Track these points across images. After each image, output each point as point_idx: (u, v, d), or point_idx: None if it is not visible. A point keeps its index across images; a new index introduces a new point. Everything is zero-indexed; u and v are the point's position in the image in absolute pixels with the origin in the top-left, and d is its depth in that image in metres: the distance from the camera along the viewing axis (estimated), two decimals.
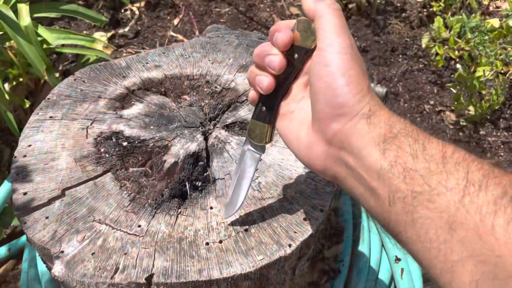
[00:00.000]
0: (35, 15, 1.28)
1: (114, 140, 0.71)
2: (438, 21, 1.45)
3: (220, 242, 0.58)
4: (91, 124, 0.74)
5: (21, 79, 1.25)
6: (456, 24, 1.38)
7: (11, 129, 1.11)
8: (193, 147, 0.68)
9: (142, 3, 1.80)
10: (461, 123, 1.44)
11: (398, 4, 1.77)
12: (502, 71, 1.42)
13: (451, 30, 1.41)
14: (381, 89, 1.48)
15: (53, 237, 0.58)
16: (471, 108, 1.40)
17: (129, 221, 0.60)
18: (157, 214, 0.62)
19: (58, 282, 0.56)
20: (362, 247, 0.91)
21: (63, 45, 1.31)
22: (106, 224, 0.60)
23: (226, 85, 0.83)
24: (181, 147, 0.68)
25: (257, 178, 0.67)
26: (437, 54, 1.48)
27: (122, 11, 1.78)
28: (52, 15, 1.35)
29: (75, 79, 0.83)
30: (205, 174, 0.68)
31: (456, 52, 1.47)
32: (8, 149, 1.29)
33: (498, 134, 1.43)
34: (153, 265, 0.55)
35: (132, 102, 0.78)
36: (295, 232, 0.59)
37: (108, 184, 0.65)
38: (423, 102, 1.51)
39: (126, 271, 0.54)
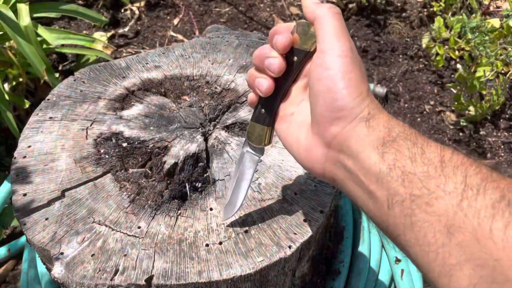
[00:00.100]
0: (35, 15, 1.28)
1: (114, 141, 0.71)
2: (438, 21, 1.45)
3: (220, 243, 0.58)
4: (90, 125, 0.73)
5: (20, 79, 1.24)
6: (457, 24, 1.38)
7: (11, 129, 1.11)
8: (193, 148, 0.68)
9: (142, 3, 1.80)
10: (461, 123, 1.44)
11: (399, 4, 1.77)
12: (503, 71, 1.41)
13: (452, 30, 1.41)
14: (381, 89, 1.48)
15: (52, 238, 0.58)
16: (471, 108, 1.39)
17: (129, 223, 0.60)
18: (157, 216, 0.62)
19: (57, 283, 0.56)
20: (362, 248, 0.91)
21: (62, 45, 1.31)
22: (106, 226, 0.60)
23: (226, 86, 0.82)
24: (181, 148, 0.68)
25: (257, 179, 0.66)
26: (437, 54, 1.48)
27: (122, 11, 1.78)
28: (52, 15, 1.35)
29: (74, 80, 0.83)
30: (205, 175, 0.68)
31: (457, 52, 1.47)
32: (7, 149, 1.29)
33: (499, 134, 1.43)
34: (153, 267, 0.55)
35: (132, 103, 0.78)
36: (295, 234, 0.59)
37: (108, 185, 0.65)
38: (423, 102, 1.51)
39: (126, 273, 0.54)
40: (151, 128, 0.72)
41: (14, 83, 1.25)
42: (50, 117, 0.75)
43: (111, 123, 0.73)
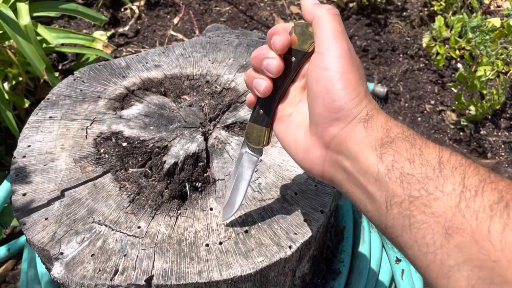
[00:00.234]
0: (35, 14, 1.27)
1: (113, 140, 0.70)
2: (439, 20, 1.44)
3: (220, 243, 0.58)
4: (90, 125, 0.73)
5: (20, 79, 1.24)
6: (457, 24, 1.37)
7: (11, 129, 1.11)
8: (193, 147, 0.68)
9: (142, 2, 1.80)
10: (462, 122, 1.43)
11: (399, 3, 1.77)
12: (503, 71, 1.41)
13: (452, 29, 1.41)
14: (381, 89, 1.48)
15: (52, 238, 0.58)
16: (472, 107, 1.39)
17: (128, 222, 0.60)
18: (156, 215, 0.61)
19: (57, 283, 0.56)
20: (363, 248, 0.91)
21: (62, 44, 1.31)
22: (106, 225, 0.59)
23: (226, 85, 0.82)
24: (181, 148, 0.68)
25: (257, 179, 0.66)
26: (438, 53, 1.47)
27: (122, 10, 1.78)
28: (52, 14, 1.35)
29: (74, 79, 0.83)
30: (205, 175, 0.68)
31: (457, 52, 1.46)
32: (7, 149, 1.29)
33: (499, 134, 1.43)
34: (152, 267, 0.55)
35: (132, 102, 0.78)
36: (296, 234, 0.59)
37: (108, 185, 0.65)
38: (424, 102, 1.51)
39: (126, 273, 0.54)
40: (151, 127, 0.72)
41: (13, 82, 1.25)
42: (50, 117, 0.75)
43: (111, 122, 0.73)
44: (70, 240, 0.58)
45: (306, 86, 0.47)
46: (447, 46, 1.49)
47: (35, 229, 0.59)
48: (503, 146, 1.40)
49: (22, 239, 1.05)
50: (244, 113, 0.77)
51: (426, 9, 1.73)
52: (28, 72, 1.27)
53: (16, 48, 1.19)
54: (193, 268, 0.55)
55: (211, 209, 0.63)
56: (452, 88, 1.50)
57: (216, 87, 0.82)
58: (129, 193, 0.64)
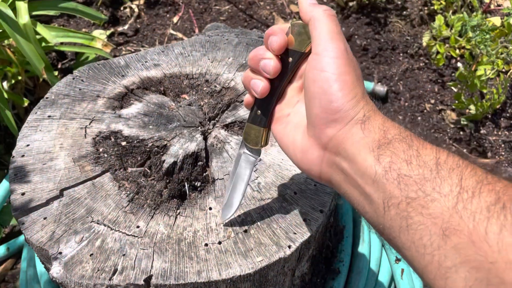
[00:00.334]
0: (34, 13, 1.27)
1: (112, 139, 0.70)
2: (439, 19, 1.44)
3: (219, 243, 0.58)
4: (89, 124, 0.73)
5: (19, 78, 1.24)
6: (457, 23, 1.37)
7: (10, 128, 1.10)
8: (192, 147, 0.68)
9: (142, 1, 1.79)
10: (462, 122, 1.43)
11: (399, 2, 1.77)
12: (503, 70, 1.41)
13: (452, 28, 1.40)
14: (381, 88, 1.47)
15: (51, 238, 0.58)
16: (472, 107, 1.39)
17: (127, 222, 0.60)
18: (156, 215, 0.61)
19: (56, 283, 0.56)
20: (362, 247, 0.91)
21: (62, 43, 1.30)
22: (105, 225, 0.59)
23: (226, 84, 0.82)
24: (180, 147, 0.68)
25: (256, 178, 0.66)
26: (438, 52, 1.47)
27: (122, 8, 1.77)
28: (51, 12, 1.35)
29: (73, 78, 0.82)
30: (204, 174, 0.67)
31: (457, 51, 1.46)
32: (6, 148, 1.28)
33: (499, 133, 1.42)
34: (151, 267, 0.55)
35: (131, 102, 0.78)
36: (295, 233, 0.59)
37: (107, 184, 0.65)
38: (424, 101, 1.51)
39: (125, 273, 0.54)
40: (150, 127, 0.72)
41: (13, 81, 1.24)
42: (49, 116, 0.75)
43: (110, 121, 0.73)
44: (69, 240, 0.57)
45: (303, 87, 0.47)
46: (447, 45, 1.48)
47: (33, 228, 0.59)
48: (503, 145, 1.39)
49: (22, 238, 1.05)
50: (244, 112, 0.76)
51: (426, 8, 1.73)
52: (28, 71, 1.27)
53: (15, 47, 1.19)
54: (192, 268, 0.55)
55: (210, 208, 0.63)
56: (452, 87, 1.49)
57: (215, 86, 0.82)
58: (128, 192, 0.64)
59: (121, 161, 0.68)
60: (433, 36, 1.50)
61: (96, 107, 0.76)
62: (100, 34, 1.60)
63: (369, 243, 0.92)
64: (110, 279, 0.53)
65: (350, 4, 1.73)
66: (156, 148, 0.68)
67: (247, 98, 0.53)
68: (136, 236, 0.58)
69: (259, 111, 0.52)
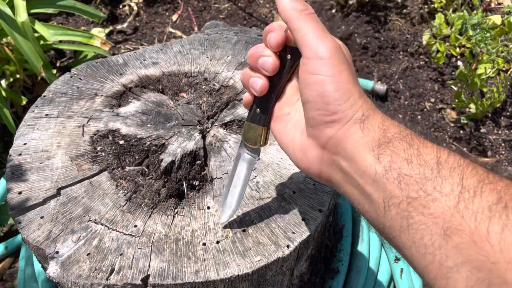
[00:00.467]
0: (32, 11, 1.26)
1: (110, 138, 0.70)
2: (439, 18, 1.43)
3: (217, 242, 0.57)
4: (87, 122, 0.73)
5: (18, 76, 1.24)
6: (458, 21, 1.36)
7: (8, 126, 1.10)
8: (190, 145, 0.68)
9: None
10: (462, 121, 1.43)
11: (399, 0, 1.76)
12: (504, 69, 1.40)
13: (453, 26, 1.40)
14: (381, 87, 1.47)
15: (48, 237, 0.57)
16: (472, 106, 1.39)
17: (125, 221, 0.60)
18: (153, 214, 0.61)
19: (53, 282, 0.56)
20: (362, 247, 0.91)
21: (60, 41, 1.30)
22: (102, 224, 0.59)
23: (225, 83, 0.81)
24: (178, 146, 0.67)
25: (255, 177, 0.66)
26: (438, 51, 1.46)
27: (120, 7, 1.77)
28: (50, 10, 1.34)
29: (71, 76, 0.82)
30: (202, 173, 0.67)
31: (457, 49, 1.46)
32: (4, 146, 1.28)
33: (499, 132, 1.42)
34: (149, 266, 0.54)
35: (129, 100, 0.77)
36: (293, 233, 0.58)
37: (104, 183, 0.64)
38: (424, 100, 1.50)
39: (122, 272, 0.54)
40: (148, 125, 0.71)
41: (11, 79, 1.24)
42: (46, 114, 0.74)
43: (108, 120, 0.73)
44: (66, 239, 0.57)
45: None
46: (447, 43, 1.48)
47: (30, 227, 0.58)
48: (503, 144, 1.39)
49: (20, 237, 1.05)
50: (242, 111, 0.76)
51: (426, 6, 1.72)
52: (26, 69, 1.27)
53: (14, 45, 1.18)
54: (190, 268, 0.54)
55: (208, 207, 0.62)
56: (452, 86, 1.49)
57: (214, 85, 0.81)
58: (125, 191, 0.63)
59: (119, 160, 0.67)
60: (433, 34, 1.49)
61: (94, 106, 0.76)
62: (99, 32, 1.60)
63: (368, 243, 0.92)
64: (107, 279, 0.53)
65: (350, 2, 1.72)
66: (154, 147, 0.67)
67: (246, 97, 0.52)
68: (134, 236, 0.58)
69: (258, 110, 0.51)
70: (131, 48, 1.61)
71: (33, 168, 0.65)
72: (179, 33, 1.68)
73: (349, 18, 1.71)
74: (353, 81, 0.42)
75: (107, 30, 1.65)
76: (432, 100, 1.50)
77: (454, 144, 1.39)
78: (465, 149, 1.38)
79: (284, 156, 0.69)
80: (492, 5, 1.62)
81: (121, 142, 0.69)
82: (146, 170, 0.66)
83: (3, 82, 1.23)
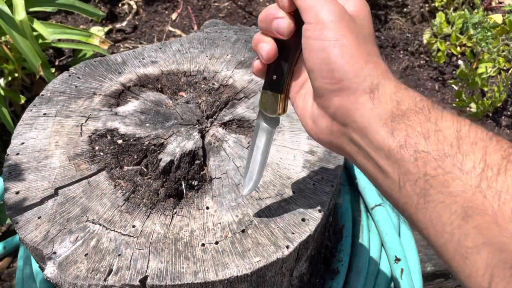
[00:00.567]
0: (31, 9, 1.26)
1: (109, 137, 0.69)
2: (440, 17, 1.43)
3: (216, 243, 0.57)
4: (85, 122, 0.72)
5: (16, 75, 1.23)
6: (458, 20, 1.36)
7: (6, 125, 1.09)
8: (189, 145, 0.67)
9: None
10: None
11: None
12: (505, 68, 1.40)
13: (453, 25, 1.39)
14: None
15: (45, 237, 0.57)
16: (472, 105, 1.38)
17: (123, 221, 0.59)
18: (152, 214, 0.60)
19: (51, 283, 0.55)
20: (362, 247, 0.90)
21: (59, 40, 1.29)
22: (100, 225, 0.58)
23: (224, 82, 0.81)
24: (177, 145, 0.67)
25: None
26: (438, 50, 1.46)
27: (120, 5, 1.76)
28: (48, 9, 1.34)
29: (69, 75, 0.81)
30: (201, 173, 0.66)
31: (458, 48, 1.45)
32: (3, 145, 1.28)
33: (500, 131, 1.41)
34: (147, 267, 0.54)
35: (128, 99, 0.77)
36: (293, 233, 0.58)
37: (102, 183, 0.64)
38: None
39: (120, 273, 0.53)
40: (147, 124, 0.71)
41: (9, 78, 1.23)
42: (44, 113, 0.74)
43: (106, 119, 0.72)
44: (64, 240, 0.57)
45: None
46: (448, 42, 1.47)
47: (27, 228, 0.58)
48: None
49: (18, 236, 1.04)
50: (242, 110, 0.75)
51: (427, 5, 1.71)
52: (24, 68, 1.26)
53: (12, 43, 1.17)
54: (189, 268, 0.54)
55: (207, 208, 0.62)
56: (453, 85, 1.48)
57: (213, 84, 0.80)
58: (124, 191, 0.63)
59: (117, 159, 0.67)
60: (434, 33, 1.49)
61: (92, 105, 0.75)
62: (98, 31, 1.59)
63: (368, 243, 0.91)
64: (105, 280, 0.52)
65: None
66: (152, 147, 0.67)
67: (256, 64, 0.49)
68: (132, 236, 0.57)
69: (274, 76, 0.48)
70: (130, 47, 1.60)
71: (31, 168, 0.65)
72: (178, 32, 1.67)
73: None
74: (359, 43, 0.39)
75: (106, 29, 1.64)
76: (433, 99, 1.50)
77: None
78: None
79: (284, 156, 0.68)
80: (493, 4, 1.61)
81: (120, 141, 0.68)
82: (145, 170, 0.65)
83: (2, 81, 1.22)
